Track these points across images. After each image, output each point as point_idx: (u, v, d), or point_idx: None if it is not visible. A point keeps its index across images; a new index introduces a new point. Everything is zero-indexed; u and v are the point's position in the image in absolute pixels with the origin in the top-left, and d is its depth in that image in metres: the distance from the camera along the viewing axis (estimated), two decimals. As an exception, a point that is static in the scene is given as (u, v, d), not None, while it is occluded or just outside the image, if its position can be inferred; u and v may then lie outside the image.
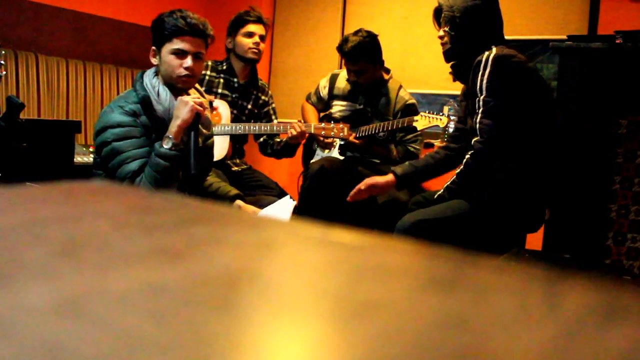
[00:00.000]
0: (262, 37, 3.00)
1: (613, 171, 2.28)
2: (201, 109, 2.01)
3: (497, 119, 2.05)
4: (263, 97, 3.11)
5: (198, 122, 2.03)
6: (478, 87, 2.07)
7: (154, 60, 2.10)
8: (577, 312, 0.29)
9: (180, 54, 2.04)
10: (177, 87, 2.09)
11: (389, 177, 2.34)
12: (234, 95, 3.01)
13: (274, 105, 3.17)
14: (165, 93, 2.05)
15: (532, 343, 0.25)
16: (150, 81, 2.07)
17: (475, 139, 2.09)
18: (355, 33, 2.86)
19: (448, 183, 2.18)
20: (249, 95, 3.06)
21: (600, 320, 0.28)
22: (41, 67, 3.18)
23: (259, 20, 3.00)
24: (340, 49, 2.87)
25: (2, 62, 2.08)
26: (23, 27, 3.25)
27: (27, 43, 3.22)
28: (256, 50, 2.97)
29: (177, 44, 2.03)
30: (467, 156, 2.11)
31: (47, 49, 3.30)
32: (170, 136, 1.98)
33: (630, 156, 2.27)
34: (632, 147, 2.26)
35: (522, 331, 0.26)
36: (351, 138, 2.84)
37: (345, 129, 2.79)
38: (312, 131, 2.84)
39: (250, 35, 2.97)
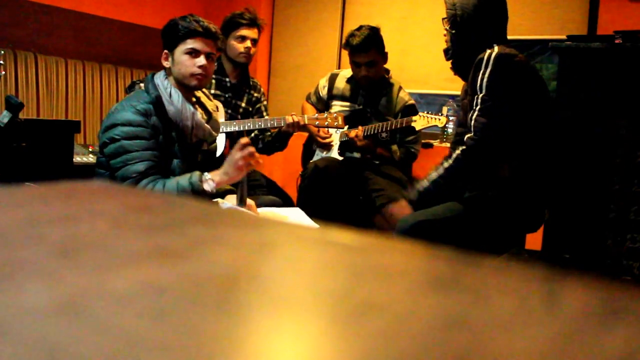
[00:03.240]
0: (254, 41, 2.97)
1: (613, 171, 2.28)
2: (252, 166, 2.05)
3: (492, 118, 2.04)
4: (256, 94, 3.11)
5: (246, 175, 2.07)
6: (478, 85, 2.06)
7: (166, 64, 2.13)
8: (577, 312, 0.29)
9: (193, 53, 2.09)
10: (191, 85, 2.12)
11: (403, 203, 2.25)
12: (227, 95, 3.00)
13: (265, 102, 3.17)
14: (177, 95, 2.08)
15: (532, 343, 0.25)
16: (162, 83, 2.10)
17: (468, 135, 2.07)
18: (359, 28, 2.88)
19: (435, 177, 2.13)
20: (241, 94, 3.05)
21: (600, 320, 0.28)
22: (40, 67, 3.18)
23: (252, 24, 2.96)
24: (347, 44, 2.87)
25: (2, 62, 2.08)
26: (23, 27, 3.24)
27: (27, 43, 3.22)
28: (247, 55, 2.96)
29: (191, 44, 2.08)
30: (457, 152, 2.09)
31: (46, 48, 3.30)
32: (214, 182, 2.02)
33: (630, 156, 2.27)
34: (632, 147, 2.26)
35: (522, 331, 0.26)
36: (351, 134, 2.84)
37: (340, 119, 2.78)
38: (306, 122, 2.83)
39: (242, 39, 2.94)
